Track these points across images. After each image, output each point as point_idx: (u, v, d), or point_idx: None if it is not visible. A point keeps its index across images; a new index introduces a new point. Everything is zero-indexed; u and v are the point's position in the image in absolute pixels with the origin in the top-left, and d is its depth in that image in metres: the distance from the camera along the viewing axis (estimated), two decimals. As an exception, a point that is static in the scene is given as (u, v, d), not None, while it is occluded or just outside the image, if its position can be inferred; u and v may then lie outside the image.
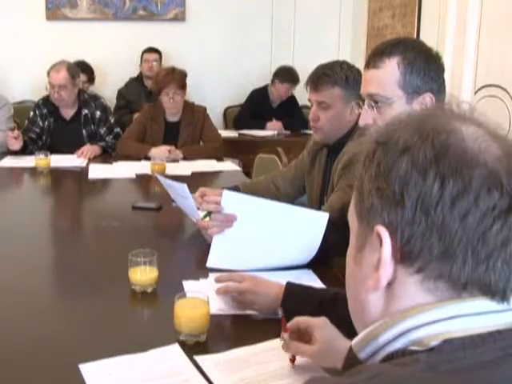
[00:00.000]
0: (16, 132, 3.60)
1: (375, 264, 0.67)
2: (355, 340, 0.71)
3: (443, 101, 1.57)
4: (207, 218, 1.84)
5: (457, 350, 0.61)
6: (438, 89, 1.57)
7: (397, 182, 0.64)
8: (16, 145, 3.59)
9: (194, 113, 3.81)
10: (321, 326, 1.20)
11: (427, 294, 0.65)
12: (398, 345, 0.64)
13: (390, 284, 0.67)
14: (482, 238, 0.62)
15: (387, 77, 1.58)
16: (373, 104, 1.60)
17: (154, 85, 3.86)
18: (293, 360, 1.23)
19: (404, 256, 0.65)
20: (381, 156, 0.67)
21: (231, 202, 1.77)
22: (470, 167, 0.62)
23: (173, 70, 3.73)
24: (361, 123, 1.65)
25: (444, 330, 0.63)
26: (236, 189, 2.47)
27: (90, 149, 3.68)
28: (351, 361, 0.70)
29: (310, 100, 2.27)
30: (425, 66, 1.56)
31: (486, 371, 0.60)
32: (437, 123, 0.66)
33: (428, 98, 1.55)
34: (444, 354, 0.61)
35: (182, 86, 3.69)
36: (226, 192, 1.79)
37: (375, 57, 1.61)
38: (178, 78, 3.67)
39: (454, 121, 0.67)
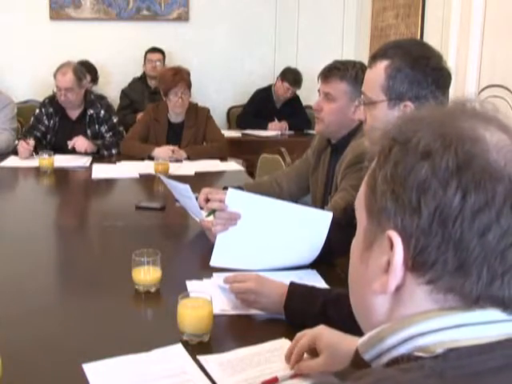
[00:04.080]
0: (32, 143, 3.59)
1: (383, 266, 0.65)
2: (361, 340, 0.69)
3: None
4: (211, 216, 1.84)
5: (463, 357, 0.59)
6: (426, 97, 1.53)
7: (414, 188, 0.61)
8: (26, 154, 3.58)
9: (198, 114, 3.81)
10: (320, 336, 1.16)
11: (435, 303, 0.64)
12: (403, 350, 0.63)
13: (397, 289, 0.65)
14: (501, 256, 0.60)
15: (373, 79, 1.59)
16: (362, 103, 1.64)
17: (161, 85, 3.81)
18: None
19: (416, 265, 0.63)
20: (398, 156, 0.64)
21: (235, 200, 1.77)
22: (493, 181, 0.59)
23: (179, 70, 3.73)
24: (356, 117, 1.71)
25: (451, 339, 0.61)
26: (239, 189, 2.48)
27: (83, 142, 3.65)
28: (359, 357, 0.69)
29: (319, 91, 2.32)
30: (411, 73, 1.53)
31: (493, 378, 0.59)
32: (460, 128, 0.63)
33: (408, 108, 1.53)
34: (450, 361, 0.59)
35: (189, 85, 3.71)
36: (230, 190, 1.79)
37: (372, 57, 1.63)
38: (186, 77, 3.68)
39: (478, 125, 0.63)
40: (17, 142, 3.74)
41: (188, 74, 3.74)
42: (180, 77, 3.64)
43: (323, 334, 1.17)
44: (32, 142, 3.60)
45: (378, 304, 0.68)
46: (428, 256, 0.61)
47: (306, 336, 1.20)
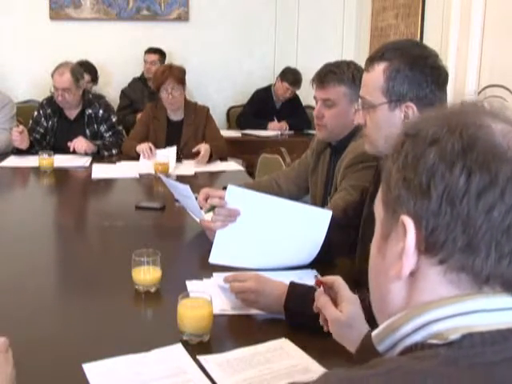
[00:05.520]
0: (21, 127, 3.61)
1: (399, 253, 0.67)
2: (375, 332, 0.71)
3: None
4: (211, 213, 1.84)
5: (477, 345, 0.61)
6: (427, 97, 1.52)
7: (424, 172, 0.65)
8: (22, 143, 3.59)
9: (197, 112, 3.81)
10: (352, 302, 1.15)
11: (449, 285, 0.66)
12: (418, 337, 0.65)
13: (412, 274, 0.67)
14: (507, 232, 0.62)
15: (372, 82, 1.58)
16: (361, 107, 1.62)
17: (153, 83, 3.88)
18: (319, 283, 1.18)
19: (428, 247, 0.65)
20: (409, 147, 0.68)
21: (235, 196, 1.77)
22: (497, 161, 0.62)
23: (170, 67, 3.76)
24: (355, 122, 1.68)
25: (464, 324, 0.63)
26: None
27: (82, 143, 3.65)
28: (365, 348, 0.70)
29: (315, 97, 2.28)
30: (410, 74, 1.52)
31: (506, 368, 0.60)
32: (467, 118, 0.67)
33: (410, 109, 1.52)
34: (464, 349, 0.61)
35: (180, 81, 3.67)
36: (230, 187, 1.79)
37: (369, 60, 1.61)
38: (176, 73, 3.67)
39: (484, 117, 0.67)
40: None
41: (180, 70, 3.73)
42: (169, 72, 3.64)
43: (355, 302, 1.14)
44: (22, 127, 3.62)
45: (394, 291, 0.70)
46: (438, 235, 0.64)
47: (341, 286, 1.17)
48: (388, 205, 0.70)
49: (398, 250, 0.68)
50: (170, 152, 3.43)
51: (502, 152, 0.63)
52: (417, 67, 1.53)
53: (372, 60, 1.59)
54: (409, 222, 0.66)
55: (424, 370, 0.60)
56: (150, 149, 3.47)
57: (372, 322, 1.22)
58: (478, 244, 0.63)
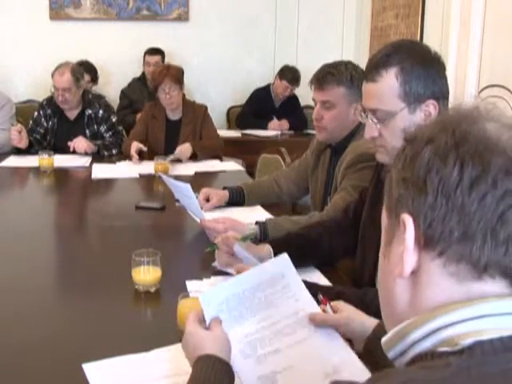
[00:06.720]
0: (19, 126, 3.61)
1: (401, 254, 0.69)
2: (385, 338, 0.71)
3: (447, 101, 1.54)
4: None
5: (488, 353, 0.61)
6: (441, 90, 1.50)
7: (420, 169, 0.67)
8: (21, 142, 3.60)
9: (195, 111, 3.82)
10: (346, 308, 1.25)
11: (450, 277, 0.66)
12: (428, 344, 0.65)
13: (415, 272, 0.69)
14: (501, 218, 0.63)
15: (386, 90, 1.51)
16: (376, 120, 1.54)
17: (151, 83, 3.90)
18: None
19: (427, 240, 0.67)
20: (408, 151, 0.70)
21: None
22: (488, 152, 0.64)
23: (168, 67, 3.77)
24: (366, 136, 1.59)
25: (474, 329, 0.63)
26: (239, 189, 2.47)
27: (82, 143, 3.66)
28: (373, 343, 0.69)
29: (314, 99, 2.27)
30: (424, 72, 1.49)
31: None
32: (461, 119, 0.69)
33: (431, 106, 1.49)
34: (475, 358, 0.61)
35: (178, 81, 3.67)
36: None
37: (372, 69, 1.54)
38: (173, 72, 3.67)
39: (478, 117, 0.69)
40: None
41: (177, 70, 3.74)
42: (166, 72, 3.65)
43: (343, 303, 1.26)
44: (20, 126, 3.63)
45: (399, 290, 0.71)
46: (436, 228, 0.66)
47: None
48: (391, 209, 0.72)
49: (400, 251, 0.69)
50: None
51: (493, 143, 0.64)
52: (427, 63, 1.50)
53: (377, 68, 1.53)
54: (408, 219, 0.67)
55: (436, 380, 0.60)
56: (140, 152, 3.51)
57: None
58: (474, 232, 0.64)
